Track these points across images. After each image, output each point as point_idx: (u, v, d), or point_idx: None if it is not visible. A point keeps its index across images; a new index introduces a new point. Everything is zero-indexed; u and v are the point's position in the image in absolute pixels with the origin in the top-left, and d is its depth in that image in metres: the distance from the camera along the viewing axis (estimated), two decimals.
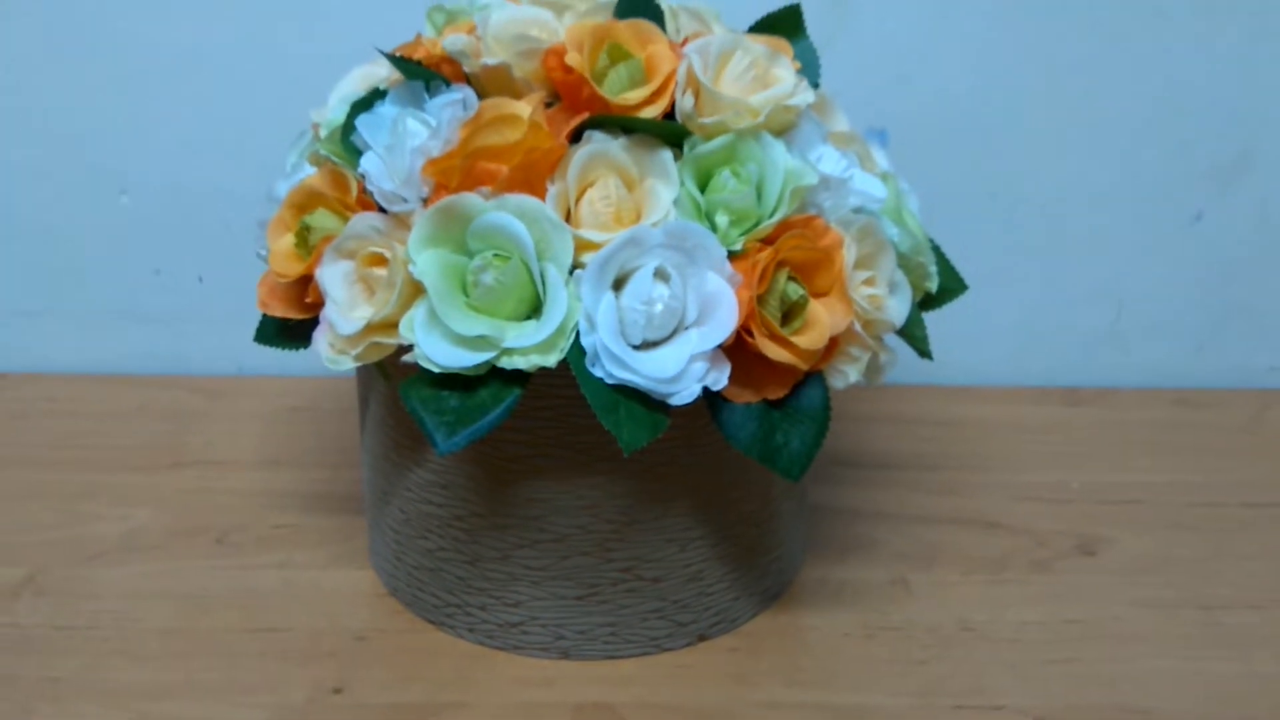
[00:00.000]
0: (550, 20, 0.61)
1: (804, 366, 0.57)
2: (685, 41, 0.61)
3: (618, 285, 0.57)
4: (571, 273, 0.56)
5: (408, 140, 0.58)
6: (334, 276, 0.59)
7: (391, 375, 0.62)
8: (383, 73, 0.65)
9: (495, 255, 0.56)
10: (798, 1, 0.66)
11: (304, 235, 0.61)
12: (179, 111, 0.88)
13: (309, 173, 0.62)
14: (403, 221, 0.58)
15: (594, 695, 0.62)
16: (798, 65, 0.62)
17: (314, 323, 0.60)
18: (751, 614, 0.67)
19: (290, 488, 0.78)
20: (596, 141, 0.58)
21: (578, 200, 0.58)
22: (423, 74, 0.61)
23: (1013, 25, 0.87)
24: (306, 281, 0.60)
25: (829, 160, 0.61)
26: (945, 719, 0.61)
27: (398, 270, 0.56)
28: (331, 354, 0.59)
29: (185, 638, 0.65)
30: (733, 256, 0.57)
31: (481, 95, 0.60)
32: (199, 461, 0.81)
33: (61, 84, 0.88)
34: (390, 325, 0.57)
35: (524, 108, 0.57)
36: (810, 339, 0.57)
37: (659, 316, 0.56)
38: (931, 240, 0.67)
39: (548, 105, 0.59)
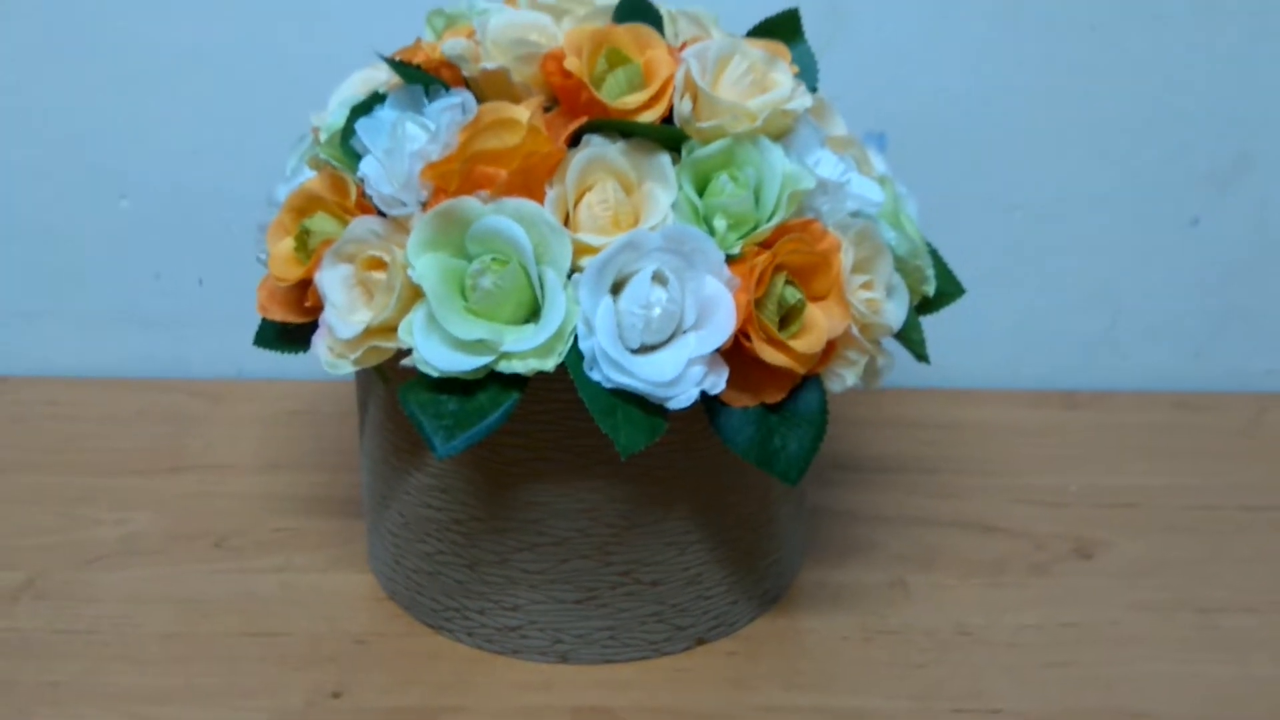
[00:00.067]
0: (549, 25, 0.61)
1: (801, 370, 0.58)
2: (683, 46, 0.61)
3: (616, 289, 0.57)
4: (570, 276, 0.56)
5: (407, 144, 0.58)
6: (333, 280, 0.59)
7: (390, 379, 0.63)
8: (382, 76, 0.65)
9: (494, 259, 0.56)
10: (795, 6, 0.66)
11: (303, 239, 0.61)
12: (179, 113, 0.88)
13: (308, 176, 0.63)
14: (402, 225, 0.58)
15: (592, 699, 0.62)
16: (795, 69, 0.62)
17: (313, 326, 0.60)
18: (750, 617, 0.67)
19: (289, 491, 0.78)
20: (595, 146, 0.58)
21: (576, 204, 0.58)
22: (422, 78, 0.61)
23: (1010, 29, 0.87)
24: (306, 285, 0.60)
25: (827, 164, 0.61)
26: None
27: (397, 274, 0.56)
28: (331, 358, 0.59)
29: (185, 642, 0.65)
30: (730, 260, 0.57)
31: (480, 99, 0.60)
32: (198, 465, 0.81)
33: (61, 84, 0.88)
34: (389, 329, 0.57)
35: (523, 112, 0.58)
36: (808, 343, 0.57)
37: (657, 320, 0.56)
38: (929, 244, 0.67)
39: (546, 109, 0.59)
